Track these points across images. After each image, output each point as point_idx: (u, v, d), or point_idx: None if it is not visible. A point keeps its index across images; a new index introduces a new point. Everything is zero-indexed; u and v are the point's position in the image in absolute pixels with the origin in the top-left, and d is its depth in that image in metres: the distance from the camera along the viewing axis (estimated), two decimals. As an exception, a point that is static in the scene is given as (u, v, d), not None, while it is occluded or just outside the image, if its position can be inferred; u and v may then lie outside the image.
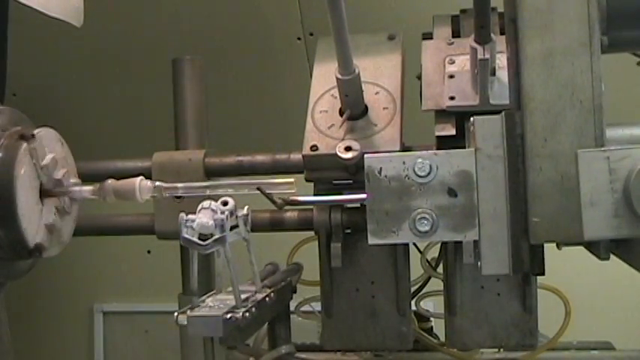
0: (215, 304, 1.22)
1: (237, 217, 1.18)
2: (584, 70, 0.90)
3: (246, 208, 1.21)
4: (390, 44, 1.62)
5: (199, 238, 1.12)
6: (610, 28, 0.94)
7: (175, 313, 1.17)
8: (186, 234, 1.11)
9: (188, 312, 1.18)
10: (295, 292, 1.59)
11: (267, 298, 1.32)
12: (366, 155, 1.00)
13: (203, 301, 1.26)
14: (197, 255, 1.15)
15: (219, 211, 1.12)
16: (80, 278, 3.80)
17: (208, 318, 1.16)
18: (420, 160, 0.96)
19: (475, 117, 0.96)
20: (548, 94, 0.91)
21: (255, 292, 1.31)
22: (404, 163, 0.97)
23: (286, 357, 1.59)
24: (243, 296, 1.25)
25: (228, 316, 1.16)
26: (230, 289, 1.22)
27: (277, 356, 1.58)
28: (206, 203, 1.13)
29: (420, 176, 0.96)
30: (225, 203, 1.14)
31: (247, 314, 1.18)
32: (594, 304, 3.04)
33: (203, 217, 1.12)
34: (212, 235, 1.12)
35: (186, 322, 1.16)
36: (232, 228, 1.17)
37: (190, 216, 1.12)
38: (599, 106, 0.89)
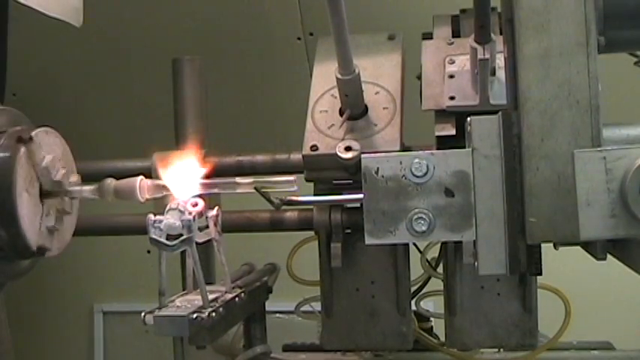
0: (183, 305, 1.23)
1: (207, 217, 1.19)
2: (581, 70, 0.90)
3: (216, 208, 1.22)
4: (390, 44, 1.62)
5: (168, 239, 1.12)
6: (607, 28, 0.94)
7: (142, 313, 1.18)
8: (153, 234, 1.12)
9: (156, 312, 1.19)
10: (271, 292, 1.60)
11: (236, 299, 1.32)
12: (363, 155, 1.00)
13: (172, 301, 1.26)
14: (165, 255, 1.17)
15: (186, 212, 1.13)
16: (80, 278, 3.80)
17: (174, 318, 1.17)
18: (416, 160, 0.97)
19: (472, 117, 0.97)
20: (544, 94, 0.91)
21: (225, 293, 1.32)
22: (401, 163, 0.97)
23: (262, 357, 1.60)
24: (212, 296, 1.26)
25: (194, 316, 1.16)
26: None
27: (252, 356, 1.59)
28: (174, 204, 1.14)
29: (417, 176, 0.96)
30: (194, 204, 1.15)
31: (214, 314, 1.19)
32: (594, 304, 3.04)
33: (170, 218, 1.13)
34: (181, 235, 1.12)
35: (152, 322, 1.17)
36: (203, 229, 1.19)
37: (158, 217, 1.13)
38: (595, 106, 0.89)
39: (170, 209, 1.14)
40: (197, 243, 1.17)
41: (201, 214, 1.16)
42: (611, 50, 0.97)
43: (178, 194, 1.19)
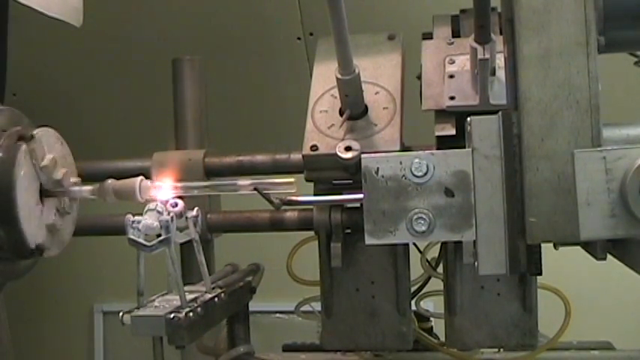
0: (161, 305, 1.24)
1: (186, 218, 1.20)
2: (581, 71, 0.90)
3: (195, 209, 1.22)
4: (390, 44, 1.62)
5: (147, 239, 1.13)
6: (607, 28, 0.94)
7: (120, 313, 1.18)
8: (132, 235, 1.13)
9: (134, 311, 1.20)
10: (255, 292, 1.60)
11: (216, 299, 1.33)
12: (363, 155, 1.00)
13: (152, 301, 1.27)
14: (143, 256, 1.17)
15: (164, 213, 1.13)
16: (80, 278, 3.80)
17: (151, 318, 1.18)
18: (416, 160, 0.97)
19: (472, 117, 0.97)
20: (544, 95, 0.91)
21: (205, 293, 1.32)
22: (401, 163, 0.97)
23: (245, 357, 1.60)
24: (191, 296, 1.26)
25: (171, 316, 1.17)
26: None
27: (235, 356, 1.59)
28: (152, 205, 1.15)
29: (417, 176, 0.96)
30: (174, 205, 1.15)
31: (191, 314, 1.19)
32: (594, 304, 3.04)
33: (148, 219, 1.13)
34: (159, 235, 1.12)
35: (129, 322, 1.17)
36: (183, 229, 1.19)
37: (136, 217, 1.14)
38: (595, 106, 0.89)
39: (148, 210, 1.14)
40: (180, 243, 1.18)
41: (180, 214, 1.17)
42: (611, 50, 0.97)
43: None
